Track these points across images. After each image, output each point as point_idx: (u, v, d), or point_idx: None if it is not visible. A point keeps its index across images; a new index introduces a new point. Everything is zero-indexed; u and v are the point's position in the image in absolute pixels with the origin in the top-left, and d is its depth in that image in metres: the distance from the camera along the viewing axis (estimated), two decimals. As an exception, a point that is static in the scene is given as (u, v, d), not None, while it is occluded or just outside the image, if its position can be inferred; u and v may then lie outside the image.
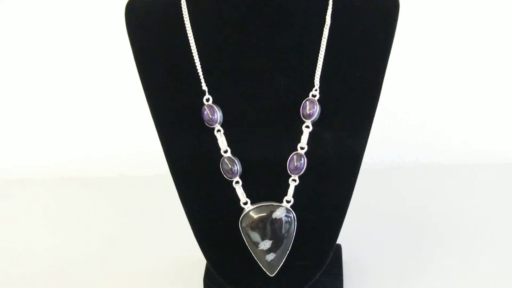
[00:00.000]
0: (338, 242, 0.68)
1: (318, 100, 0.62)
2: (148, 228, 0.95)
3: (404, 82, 1.11)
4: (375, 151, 1.16)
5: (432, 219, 0.94)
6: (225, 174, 0.62)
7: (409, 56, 1.08)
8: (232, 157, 0.62)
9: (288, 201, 0.62)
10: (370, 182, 0.94)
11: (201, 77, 0.63)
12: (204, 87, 0.63)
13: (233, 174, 0.62)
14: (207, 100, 0.63)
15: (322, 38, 0.63)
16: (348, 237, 0.79)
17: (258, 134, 0.63)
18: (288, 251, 0.63)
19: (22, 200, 1.11)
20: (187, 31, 0.64)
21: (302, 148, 0.62)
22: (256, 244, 0.62)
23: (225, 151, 0.63)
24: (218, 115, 0.62)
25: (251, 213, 0.62)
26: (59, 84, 1.15)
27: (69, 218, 1.01)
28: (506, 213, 0.94)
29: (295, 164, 0.61)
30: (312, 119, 0.62)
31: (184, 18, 0.65)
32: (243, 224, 0.62)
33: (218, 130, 0.63)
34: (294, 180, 0.62)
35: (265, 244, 0.62)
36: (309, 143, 0.62)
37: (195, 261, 0.80)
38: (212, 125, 0.63)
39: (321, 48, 0.63)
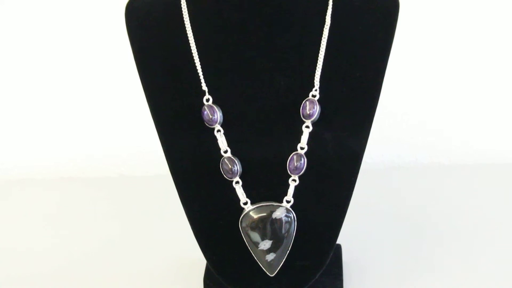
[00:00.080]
0: (338, 242, 0.68)
1: (318, 100, 0.62)
2: (148, 228, 0.95)
3: (404, 82, 1.11)
4: (375, 151, 1.16)
5: (432, 219, 0.94)
6: (225, 174, 0.62)
7: (409, 56, 1.08)
8: (232, 157, 0.62)
9: (288, 201, 0.62)
10: (370, 182, 0.94)
11: (201, 77, 0.63)
12: (204, 87, 0.63)
13: (233, 174, 0.62)
14: (207, 100, 0.63)
15: (322, 38, 0.63)
16: (348, 237, 0.79)
17: (258, 134, 0.63)
18: (288, 251, 0.63)
19: (22, 200, 1.11)
20: (187, 31, 0.64)
21: (302, 148, 0.62)
22: (256, 244, 0.62)
23: (225, 151, 0.63)
24: (218, 115, 0.62)
25: (251, 213, 0.62)
26: (59, 84, 1.15)
27: (69, 218, 1.01)
28: (506, 213, 0.94)
29: (295, 164, 0.61)
30: (312, 119, 0.62)
31: (184, 18, 0.65)
32: (243, 224, 0.62)
33: (218, 130, 0.63)
34: (294, 180, 0.62)
35: (265, 244, 0.62)
36: (309, 143, 0.62)
37: (195, 261, 0.80)
38: (212, 125, 0.63)
39: (321, 48, 0.63)
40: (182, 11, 0.65)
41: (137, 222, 0.98)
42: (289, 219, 0.62)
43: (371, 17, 0.64)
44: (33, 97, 1.16)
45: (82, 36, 1.11)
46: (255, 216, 0.62)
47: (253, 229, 0.62)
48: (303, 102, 0.62)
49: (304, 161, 0.62)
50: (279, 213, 0.62)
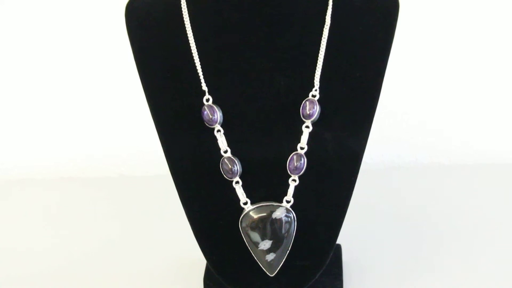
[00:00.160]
0: (338, 242, 0.68)
1: (318, 100, 0.62)
2: (148, 228, 0.95)
3: (404, 82, 1.11)
4: (375, 151, 1.16)
5: (432, 219, 0.94)
6: (225, 174, 0.62)
7: (409, 56, 1.08)
8: (232, 157, 0.62)
9: (288, 201, 0.62)
10: (370, 182, 0.94)
11: (201, 77, 0.63)
12: (204, 87, 0.63)
13: (233, 174, 0.62)
14: (207, 100, 0.63)
15: (322, 38, 0.63)
16: (348, 237, 0.79)
17: (258, 134, 0.63)
18: (288, 251, 0.63)
19: (22, 200, 1.11)
20: (187, 31, 0.64)
21: (302, 148, 0.62)
22: (256, 244, 0.62)
23: (225, 151, 0.63)
24: (218, 115, 0.62)
25: (251, 213, 0.62)
26: (59, 84, 1.15)
27: (69, 218, 1.01)
28: (506, 213, 0.94)
29: (295, 164, 0.61)
30: (312, 119, 0.62)
31: (184, 18, 0.65)
32: (243, 224, 0.62)
33: (218, 130, 0.63)
34: (294, 180, 0.62)
35: (265, 244, 0.62)
36: (309, 143, 0.62)
37: (195, 261, 0.80)
38: (212, 125, 0.63)
39: (321, 48, 0.63)
40: (182, 11, 0.65)
41: (137, 222, 0.98)
42: (289, 219, 0.62)
43: (371, 17, 0.64)
44: (33, 97, 1.16)
45: (82, 36, 1.11)
46: (255, 216, 0.62)
47: (253, 229, 0.62)
48: (303, 102, 0.62)
49: (304, 161, 0.62)
50: (279, 213, 0.62)
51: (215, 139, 0.63)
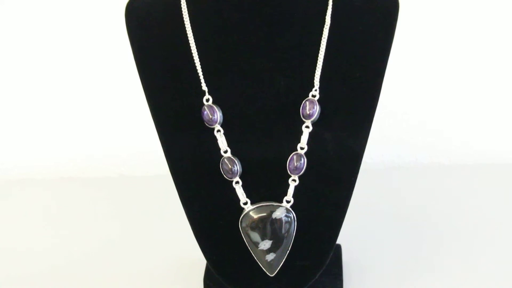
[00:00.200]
0: (338, 242, 0.68)
1: (318, 100, 0.62)
2: (148, 228, 0.95)
3: (404, 82, 1.11)
4: (375, 151, 1.16)
5: (432, 219, 0.94)
6: (225, 174, 0.62)
7: (409, 56, 1.08)
8: (232, 157, 0.62)
9: (288, 201, 0.62)
10: (370, 182, 0.94)
11: (201, 77, 0.63)
12: (204, 87, 0.63)
13: (233, 174, 0.62)
14: (207, 100, 0.63)
15: (322, 38, 0.63)
16: (348, 237, 0.79)
17: (258, 134, 0.63)
18: (288, 251, 0.63)
19: (22, 200, 1.11)
20: (187, 31, 0.64)
21: (302, 148, 0.62)
22: (256, 244, 0.62)
23: (225, 151, 0.63)
24: (218, 115, 0.62)
25: (251, 213, 0.62)
26: (59, 84, 1.15)
27: (69, 218, 1.01)
28: (506, 213, 0.94)
29: (295, 164, 0.61)
30: (312, 119, 0.62)
31: (184, 18, 0.65)
32: (243, 224, 0.62)
33: (218, 130, 0.63)
34: (294, 180, 0.62)
35: (265, 244, 0.62)
36: (309, 143, 0.62)
37: (195, 261, 0.80)
38: (212, 125, 0.63)
39: (321, 48, 0.63)
40: (182, 11, 0.65)
41: (137, 222, 0.98)
42: (289, 219, 0.62)
43: (371, 17, 0.64)
44: (33, 97, 1.16)
45: (82, 36, 1.11)
46: (255, 216, 0.62)
47: (253, 229, 0.62)
48: (303, 102, 0.62)
49: (304, 161, 0.62)
50: (279, 213, 0.62)
51: (215, 139, 0.63)
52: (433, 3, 1.07)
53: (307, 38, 0.63)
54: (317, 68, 0.63)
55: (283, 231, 0.62)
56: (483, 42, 1.09)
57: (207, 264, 0.76)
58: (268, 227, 0.62)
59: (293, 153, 0.62)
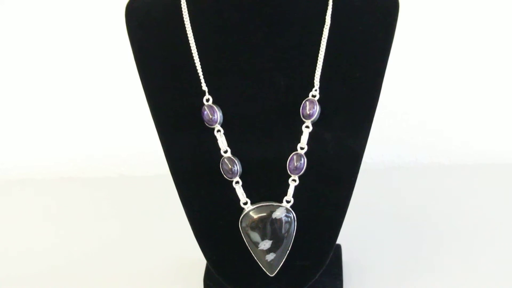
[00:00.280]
0: (338, 242, 0.68)
1: (318, 100, 0.62)
2: (148, 228, 0.95)
3: (404, 82, 1.11)
4: (375, 151, 1.16)
5: (432, 219, 0.94)
6: (225, 174, 0.62)
7: (409, 56, 1.08)
8: (232, 157, 0.62)
9: (288, 201, 0.62)
10: (370, 182, 0.94)
11: (201, 77, 0.63)
12: (204, 87, 0.63)
13: (233, 174, 0.62)
14: (207, 100, 0.63)
15: (322, 38, 0.63)
16: (348, 237, 0.79)
17: (258, 134, 0.63)
18: (288, 251, 0.63)
19: (22, 200, 1.11)
20: (187, 31, 0.64)
21: (302, 148, 0.62)
22: (256, 244, 0.62)
23: (225, 151, 0.63)
24: (218, 115, 0.62)
25: (251, 213, 0.62)
26: (59, 84, 1.15)
27: (69, 218, 1.01)
28: (506, 213, 0.94)
29: (295, 164, 0.61)
30: (312, 119, 0.62)
31: (184, 18, 0.65)
32: (243, 224, 0.62)
33: (218, 130, 0.63)
34: (294, 180, 0.62)
35: (265, 244, 0.62)
36: (309, 143, 0.62)
37: (195, 261, 0.80)
38: (212, 125, 0.63)
39: (321, 48, 0.63)
40: (182, 11, 0.65)
41: (137, 222, 0.98)
42: (289, 219, 0.62)
43: (371, 17, 0.64)
44: (33, 97, 1.16)
45: (82, 36, 1.11)
46: (255, 216, 0.62)
47: (253, 229, 0.62)
48: (303, 102, 0.62)
49: (304, 161, 0.61)
50: (279, 213, 0.62)
51: (215, 139, 0.63)
52: (433, 3, 1.07)
53: (307, 38, 0.63)
54: (317, 68, 0.63)
55: (283, 231, 0.62)
56: (483, 42, 1.09)
57: (207, 264, 0.76)
58: (268, 227, 0.62)
59: (293, 153, 0.62)
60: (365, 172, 0.69)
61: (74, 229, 0.97)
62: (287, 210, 0.62)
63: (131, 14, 0.67)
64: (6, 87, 1.16)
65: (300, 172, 0.62)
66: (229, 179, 0.63)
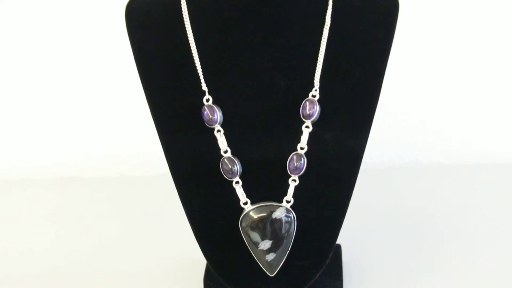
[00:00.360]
0: (338, 242, 0.68)
1: (318, 100, 0.62)
2: (148, 228, 0.95)
3: (404, 82, 1.11)
4: (375, 151, 1.16)
5: (432, 219, 0.94)
6: (225, 174, 0.62)
7: (409, 56, 1.08)
8: (232, 157, 0.62)
9: (288, 201, 0.62)
10: (370, 182, 0.94)
11: (201, 77, 0.63)
12: (204, 87, 0.63)
13: (233, 174, 0.62)
14: (207, 100, 0.63)
15: (322, 38, 0.63)
16: (348, 237, 0.79)
17: (258, 134, 0.63)
18: (288, 251, 0.63)
19: (22, 200, 1.11)
20: (187, 31, 0.64)
21: (302, 148, 0.62)
22: (256, 244, 0.62)
23: (225, 151, 0.63)
24: (218, 115, 0.62)
25: (251, 213, 0.62)
26: (59, 84, 1.15)
27: (69, 218, 1.01)
28: (506, 213, 0.94)
29: (295, 164, 0.61)
30: (312, 119, 0.62)
31: (184, 18, 0.65)
32: (243, 224, 0.62)
33: (218, 130, 0.63)
34: (294, 180, 0.62)
35: (265, 244, 0.62)
36: (309, 143, 0.62)
37: (195, 261, 0.80)
38: (212, 125, 0.63)
39: (321, 48, 0.63)
40: (182, 11, 0.65)
41: (137, 222, 0.98)
42: (289, 219, 0.62)
43: (371, 17, 0.64)
44: (33, 97, 1.16)
45: (83, 36, 1.11)
46: (255, 216, 0.62)
47: (253, 229, 0.62)
48: (303, 102, 0.62)
49: (304, 161, 0.61)
50: (279, 213, 0.62)
51: (215, 139, 0.63)
52: (433, 3, 1.07)
53: (307, 38, 0.63)
54: (317, 68, 0.63)
55: (283, 231, 0.62)
56: (483, 42, 1.09)
57: (207, 264, 0.76)
58: (268, 227, 0.62)
59: (293, 153, 0.62)
60: (365, 172, 0.69)
61: (74, 229, 0.97)
62: (287, 210, 0.62)
63: (131, 14, 0.67)
64: (6, 87, 1.16)
65: (300, 172, 0.62)
66: (229, 179, 0.63)
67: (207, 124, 0.63)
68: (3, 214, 1.05)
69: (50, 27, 1.11)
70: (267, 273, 0.64)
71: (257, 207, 0.62)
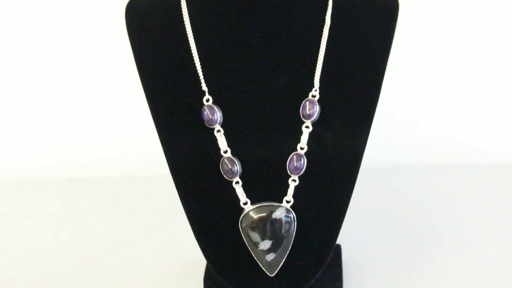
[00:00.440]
0: (338, 242, 0.68)
1: (318, 100, 0.62)
2: (148, 228, 0.95)
3: (403, 82, 1.11)
4: (375, 151, 1.16)
5: (432, 219, 0.94)
6: (225, 174, 0.62)
7: (409, 56, 1.08)
8: (232, 157, 0.62)
9: (288, 201, 0.62)
10: (370, 182, 0.94)
11: (201, 77, 0.63)
12: (204, 88, 0.63)
13: (233, 174, 0.62)
14: (207, 100, 0.63)
15: (322, 38, 0.63)
16: (348, 237, 0.79)
17: (258, 134, 0.63)
18: (288, 251, 0.63)
19: (22, 200, 1.11)
20: (187, 31, 0.64)
21: (302, 148, 0.62)
22: (256, 244, 0.62)
23: (225, 151, 0.63)
24: (218, 115, 0.62)
25: (251, 213, 0.62)
26: (59, 84, 1.15)
27: (69, 218, 1.01)
28: (506, 213, 0.94)
29: (295, 164, 0.61)
30: (312, 119, 0.62)
31: (184, 18, 0.65)
32: (243, 224, 0.62)
33: (218, 131, 0.63)
34: (294, 180, 0.62)
35: (265, 244, 0.62)
36: (309, 143, 0.62)
37: (195, 261, 0.80)
38: (212, 125, 0.63)
39: (321, 48, 0.63)
40: (182, 11, 0.65)
41: (137, 222, 0.98)
42: (289, 219, 0.62)
43: (371, 17, 0.64)
44: (33, 98, 1.16)
45: (83, 36, 1.11)
46: (255, 216, 0.62)
47: (253, 229, 0.62)
48: (303, 102, 0.62)
49: (304, 161, 0.61)
50: (279, 213, 0.62)
51: (215, 139, 0.63)
52: (433, 3, 1.07)
53: (307, 38, 0.63)
54: (317, 68, 0.63)
55: (283, 231, 0.62)
56: (483, 42, 1.09)
57: (207, 264, 0.76)
58: (268, 227, 0.62)
59: (293, 153, 0.62)
60: (365, 172, 0.69)
61: (74, 229, 0.97)
62: (287, 210, 0.62)
63: (131, 14, 0.67)
64: (6, 87, 1.16)
65: (300, 172, 0.62)
66: (229, 179, 0.63)
67: (207, 124, 0.63)
68: (3, 214, 1.04)
69: (51, 27, 1.11)
70: (267, 273, 0.64)
71: (257, 207, 0.62)
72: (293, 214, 0.62)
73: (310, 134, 0.62)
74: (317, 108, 0.61)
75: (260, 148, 0.63)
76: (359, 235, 0.88)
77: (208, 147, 0.63)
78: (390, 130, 1.15)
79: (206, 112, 0.62)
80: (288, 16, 0.63)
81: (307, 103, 0.62)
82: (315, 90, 0.62)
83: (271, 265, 0.63)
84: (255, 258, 0.63)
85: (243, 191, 0.63)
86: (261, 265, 0.63)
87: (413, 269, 0.80)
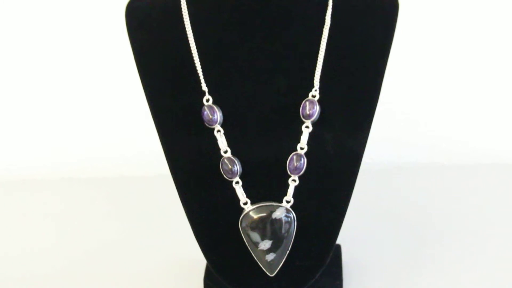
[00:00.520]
0: (338, 242, 0.68)
1: (318, 100, 0.62)
2: (148, 228, 0.95)
3: (404, 82, 1.11)
4: (375, 151, 1.16)
5: (432, 219, 0.94)
6: (225, 174, 0.62)
7: (409, 56, 1.08)
8: (232, 157, 0.62)
9: (288, 201, 0.62)
10: (370, 182, 0.94)
11: (201, 77, 0.64)
12: (204, 88, 0.63)
13: (233, 174, 0.62)
14: (207, 100, 0.63)
15: (322, 38, 0.63)
16: (348, 237, 0.79)
17: (258, 134, 0.63)
18: (288, 251, 0.63)
19: (22, 200, 1.11)
20: (187, 32, 0.64)
21: (302, 148, 0.62)
22: (256, 244, 0.62)
23: (225, 152, 0.63)
24: (218, 115, 0.62)
25: (251, 213, 0.62)
26: (59, 84, 1.15)
27: (69, 218, 1.01)
28: (506, 213, 0.94)
29: (295, 164, 0.61)
30: (312, 119, 0.62)
31: (184, 19, 0.65)
32: (243, 224, 0.62)
33: (218, 131, 0.63)
34: (294, 180, 0.62)
35: (265, 244, 0.62)
36: (308, 143, 0.62)
37: (195, 261, 0.80)
38: (212, 125, 0.63)
39: (321, 48, 0.63)
40: (182, 11, 0.65)
41: (137, 222, 0.98)
42: (289, 219, 0.62)
43: (371, 17, 0.64)
44: (33, 98, 1.16)
45: (83, 36, 1.11)
46: (255, 216, 0.62)
47: (253, 229, 0.62)
48: (303, 102, 0.62)
49: (304, 161, 0.62)
50: (279, 213, 0.62)
51: (215, 139, 0.63)
52: (433, 3, 1.07)
53: (307, 38, 0.63)
54: (317, 68, 0.63)
55: (283, 231, 0.62)
56: (483, 42, 1.09)
57: (207, 264, 0.76)
58: (268, 227, 0.62)
59: (293, 153, 0.62)
60: (365, 172, 0.69)
61: (74, 229, 0.97)
62: (287, 210, 0.62)
63: (131, 14, 0.67)
64: (6, 87, 1.16)
65: (300, 172, 0.62)
66: (229, 179, 0.63)
67: (207, 124, 0.63)
68: (3, 214, 1.04)
69: (51, 28, 1.11)
70: (267, 273, 0.64)
71: (257, 207, 0.62)
72: (293, 214, 0.62)
73: (310, 134, 0.62)
74: (317, 108, 0.61)
75: (260, 148, 0.63)
76: (359, 235, 0.88)
77: (208, 147, 0.63)
78: (390, 130, 1.15)
79: (206, 112, 0.62)
80: (288, 16, 0.63)
81: (307, 103, 0.62)
82: (315, 90, 0.62)
83: (271, 265, 0.63)
84: (255, 258, 0.63)
85: (243, 191, 0.63)
86: (261, 265, 0.63)
87: (413, 269, 0.80)
